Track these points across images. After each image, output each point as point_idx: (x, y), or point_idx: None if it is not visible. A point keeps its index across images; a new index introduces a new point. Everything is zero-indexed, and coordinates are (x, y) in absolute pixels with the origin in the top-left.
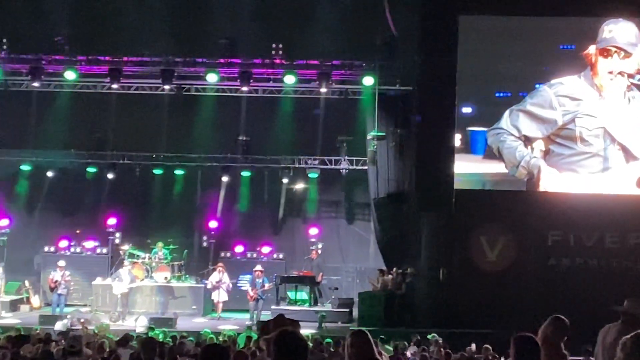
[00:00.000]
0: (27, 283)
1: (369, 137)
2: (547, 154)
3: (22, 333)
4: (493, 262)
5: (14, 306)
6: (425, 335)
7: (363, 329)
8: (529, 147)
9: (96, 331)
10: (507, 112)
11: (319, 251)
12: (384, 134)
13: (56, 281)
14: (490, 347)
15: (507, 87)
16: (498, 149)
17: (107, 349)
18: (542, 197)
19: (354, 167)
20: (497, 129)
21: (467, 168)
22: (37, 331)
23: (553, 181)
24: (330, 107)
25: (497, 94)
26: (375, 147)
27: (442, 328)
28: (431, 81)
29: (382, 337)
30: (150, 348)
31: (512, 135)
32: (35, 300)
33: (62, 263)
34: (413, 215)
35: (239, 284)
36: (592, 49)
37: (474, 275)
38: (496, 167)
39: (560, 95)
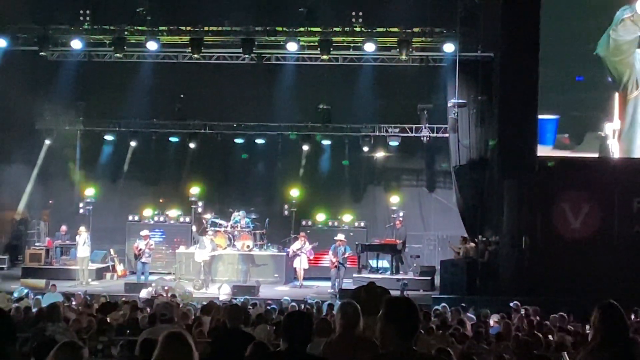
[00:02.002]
0: (112, 251)
1: (449, 104)
2: (620, 134)
3: (108, 300)
4: (576, 230)
5: (99, 274)
6: (507, 303)
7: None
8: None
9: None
10: None
11: (401, 219)
12: (465, 101)
13: (140, 249)
14: (566, 315)
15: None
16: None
17: (192, 317)
18: (625, 163)
19: (435, 134)
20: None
21: None
22: (123, 299)
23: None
24: (411, 75)
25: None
26: (456, 114)
27: (525, 296)
28: (513, 47)
29: (463, 304)
30: (235, 315)
31: None
32: (120, 269)
33: (145, 232)
34: (495, 183)
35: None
36: None
37: (557, 243)
38: None
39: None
